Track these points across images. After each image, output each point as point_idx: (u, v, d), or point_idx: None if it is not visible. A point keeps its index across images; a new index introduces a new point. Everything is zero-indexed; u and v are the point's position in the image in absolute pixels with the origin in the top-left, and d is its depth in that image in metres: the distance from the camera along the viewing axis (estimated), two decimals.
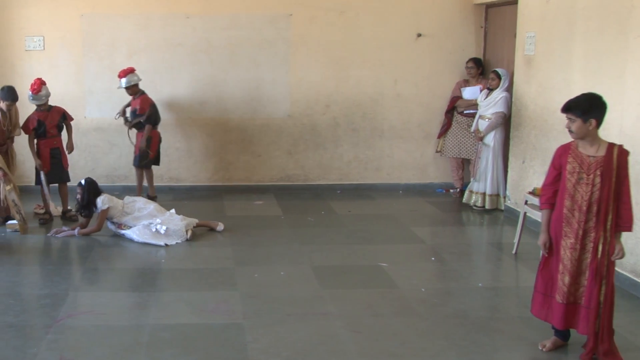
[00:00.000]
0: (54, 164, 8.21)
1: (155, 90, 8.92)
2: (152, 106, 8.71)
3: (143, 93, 8.72)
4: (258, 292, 6.00)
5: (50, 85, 8.37)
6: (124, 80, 8.62)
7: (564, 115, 7.12)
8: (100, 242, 7.42)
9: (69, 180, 8.42)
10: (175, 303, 5.77)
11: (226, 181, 9.92)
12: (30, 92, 8.01)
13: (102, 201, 7.47)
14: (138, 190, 8.85)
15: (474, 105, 9.07)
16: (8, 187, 7.57)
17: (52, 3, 9.33)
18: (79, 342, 5.01)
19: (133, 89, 8.68)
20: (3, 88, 7.73)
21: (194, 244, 7.38)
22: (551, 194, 4.82)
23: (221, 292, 6.00)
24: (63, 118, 8.31)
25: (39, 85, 8.00)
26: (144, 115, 8.62)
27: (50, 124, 8.15)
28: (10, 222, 7.77)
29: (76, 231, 7.53)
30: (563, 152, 4.77)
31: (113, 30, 9.46)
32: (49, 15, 9.34)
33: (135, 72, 8.69)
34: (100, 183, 8.03)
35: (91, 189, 7.55)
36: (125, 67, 8.73)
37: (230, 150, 9.87)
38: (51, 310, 5.55)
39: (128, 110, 8.90)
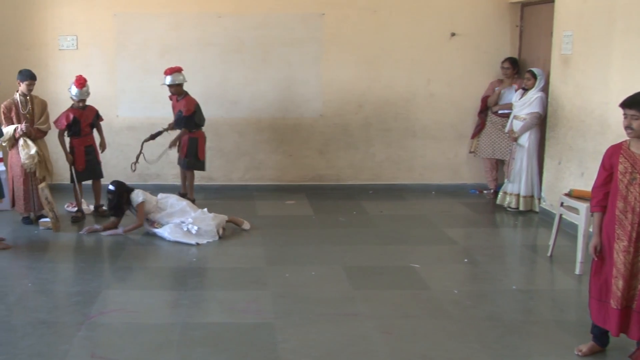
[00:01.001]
0: (88, 161, 8.30)
1: (187, 89, 8.91)
2: (197, 107, 8.69)
3: (187, 94, 8.68)
4: (289, 292, 5.96)
5: None
6: (169, 77, 8.57)
7: (601, 116, 7.10)
8: (132, 240, 7.44)
9: (102, 176, 8.51)
10: (207, 302, 5.77)
11: (257, 181, 9.92)
12: (75, 87, 8.09)
13: (136, 194, 7.52)
14: (190, 192, 8.88)
15: (508, 105, 8.96)
16: (41, 185, 7.64)
17: (85, 3, 9.41)
18: (110, 339, 5.02)
19: (177, 89, 8.62)
20: (21, 71, 7.76)
21: (225, 243, 7.37)
22: (602, 196, 4.66)
23: (252, 291, 5.98)
24: (96, 117, 8.40)
25: (84, 81, 8.11)
26: (190, 117, 8.56)
27: (85, 122, 8.23)
28: (43, 219, 7.84)
29: (121, 230, 7.55)
30: (614, 152, 4.61)
31: (145, 30, 9.52)
32: (82, 14, 9.42)
33: (182, 72, 8.64)
34: (132, 182, 8.10)
35: (122, 190, 7.58)
36: (173, 66, 8.68)
37: (262, 149, 9.87)
38: (83, 308, 5.57)
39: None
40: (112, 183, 7.68)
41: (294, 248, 7.23)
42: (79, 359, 4.70)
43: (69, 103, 8.22)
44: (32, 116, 7.75)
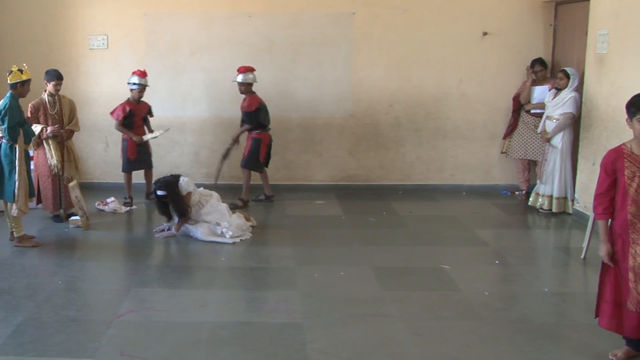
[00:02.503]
0: (140, 152, 8.62)
1: (217, 88, 8.95)
2: (261, 105, 8.77)
3: (253, 93, 8.79)
4: (318, 292, 5.93)
5: (113, 83, 8.49)
6: (241, 75, 8.71)
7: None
8: (162, 239, 7.45)
9: (152, 166, 8.85)
10: (235, 301, 5.76)
11: (287, 180, 9.91)
12: (136, 75, 8.44)
13: (186, 183, 7.49)
14: (245, 192, 8.91)
15: (541, 104, 8.84)
16: (72, 184, 7.69)
17: (116, 2, 9.48)
18: (139, 337, 5.02)
19: (246, 88, 8.75)
20: (47, 71, 7.81)
21: (254, 243, 7.36)
22: (608, 202, 4.61)
23: (281, 291, 5.95)
24: (148, 112, 8.76)
25: (145, 72, 8.52)
26: (251, 113, 8.71)
27: (138, 116, 8.59)
28: (73, 217, 7.90)
29: (174, 230, 7.49)
30: (617, 156, 4.54)
31: (176, 29, 9.56)
32: (112, 14, 9.50)
33: (254, 72, 8.75)
34: None
35: (173, 187, 7.44)
36: (246, 65, 8.81)
37: (292, 149, 9.85)
38: (112, 306, 5.58)
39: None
40: (160, 187, 7.44)
41: (323, 248, 7.20)
42: (108, 356, 4.71)
43: (99, 102, 8.34)
44: (60, 116, 7.79)
